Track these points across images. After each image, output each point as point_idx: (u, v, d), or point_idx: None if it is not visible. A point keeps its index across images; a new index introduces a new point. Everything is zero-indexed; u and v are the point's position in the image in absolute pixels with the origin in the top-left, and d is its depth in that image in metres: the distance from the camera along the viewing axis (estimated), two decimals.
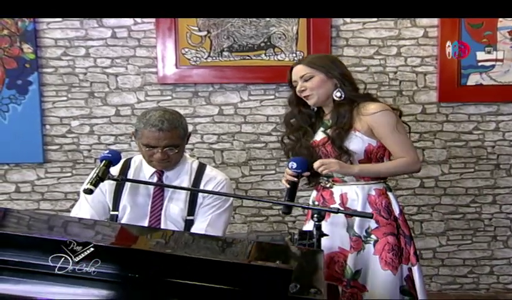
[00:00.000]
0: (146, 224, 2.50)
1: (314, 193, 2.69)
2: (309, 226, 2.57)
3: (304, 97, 2.56)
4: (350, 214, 2.45)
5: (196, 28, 3.56)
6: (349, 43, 3.64)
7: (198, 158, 3.56)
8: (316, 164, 2.46)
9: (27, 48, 3.51)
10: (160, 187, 2.53)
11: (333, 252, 2.55)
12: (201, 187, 2.54)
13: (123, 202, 2.52)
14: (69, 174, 3.65)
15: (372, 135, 2.48)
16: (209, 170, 2.62)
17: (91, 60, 3.60)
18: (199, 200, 2.54)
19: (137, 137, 2.48)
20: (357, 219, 2.50)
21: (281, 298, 1.44)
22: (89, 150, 3.65)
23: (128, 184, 2.53)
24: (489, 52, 3.61)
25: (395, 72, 3.67)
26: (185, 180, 2.56)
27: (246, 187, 3.72)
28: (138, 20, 3.58)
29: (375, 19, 3.63)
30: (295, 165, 2.45)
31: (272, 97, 3.67)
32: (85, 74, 3.60)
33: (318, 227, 2.13)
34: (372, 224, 2.47)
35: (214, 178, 2.58)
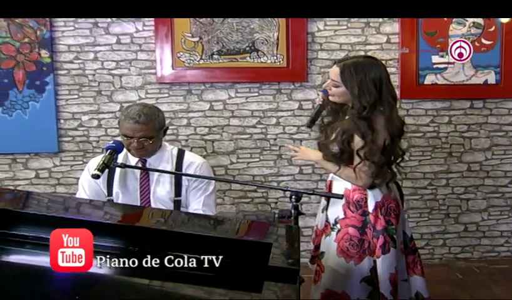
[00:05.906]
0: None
1: None
2: None
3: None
4: (323, 195, 2.50)
5: (190, 34, 3.58)
6: (323, 47, 3.68)
7: (191, 148, 3.60)
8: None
9: (45, 53, 3.52)
10: (145, 172, 2.55)
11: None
12: (183, 170, 2.57)
13: (115, 188, 2.55)
14: (81, 162, 3.66)
15: None
16: (188, 155, 2.64)
17: (98, 63, 3.61)
18: (185, 182, 2.57)
19: (119, 127, 2.51)
20: (330, 207, 2.45)
21: (262, 268, 1.47)
22: (98, 141, 3.67)
23: (117, 172, 2.54)
24: (442, 56, 3.66)
25: None
26: (168, 166, 2.57)
27: (234, 173, 3.75)
28: (140, 28, 3.59)
29: (345, 27, 3.67)
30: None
31: (256, 94, 3.69)
32: (93, 75, 3.62)
33: (295, 207, 2.14)
34: (341, 214, 2.39)
35: (194, 162, 2.59)
